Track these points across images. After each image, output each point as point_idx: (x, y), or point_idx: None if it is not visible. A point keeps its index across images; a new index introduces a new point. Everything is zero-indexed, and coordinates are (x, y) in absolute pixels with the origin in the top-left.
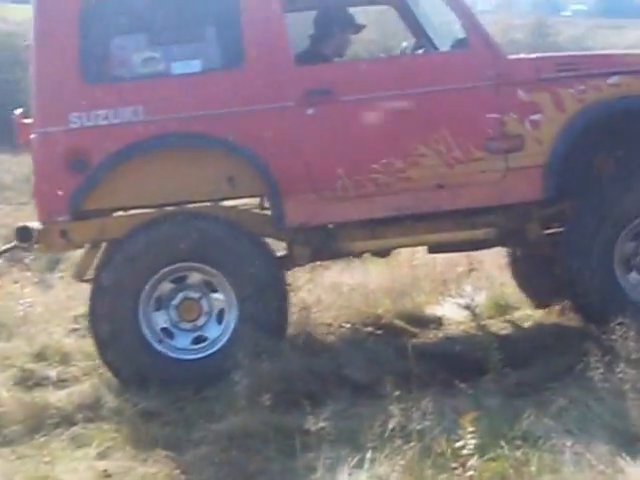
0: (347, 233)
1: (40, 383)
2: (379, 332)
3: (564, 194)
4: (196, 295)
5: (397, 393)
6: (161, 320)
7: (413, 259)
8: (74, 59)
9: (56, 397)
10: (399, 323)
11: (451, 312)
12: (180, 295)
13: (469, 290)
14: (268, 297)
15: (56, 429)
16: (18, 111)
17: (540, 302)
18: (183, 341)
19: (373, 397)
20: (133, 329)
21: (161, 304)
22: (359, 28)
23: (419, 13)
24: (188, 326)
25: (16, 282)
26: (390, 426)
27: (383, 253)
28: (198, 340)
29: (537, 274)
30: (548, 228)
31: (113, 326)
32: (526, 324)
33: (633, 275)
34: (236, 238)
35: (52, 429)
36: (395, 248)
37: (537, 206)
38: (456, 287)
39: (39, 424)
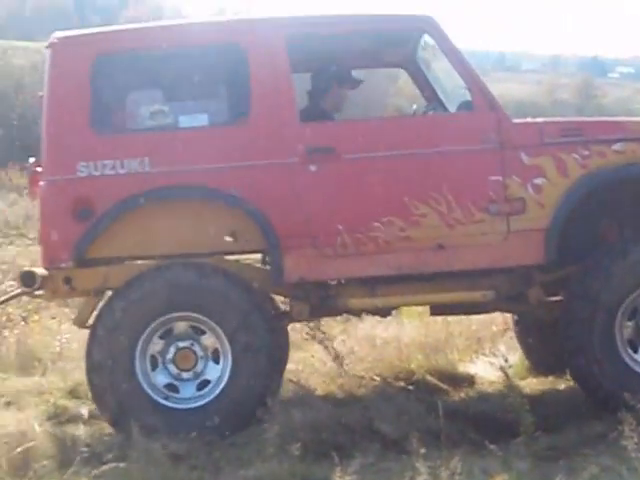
0: (346, 290)
1: (72, 419)
2: (410, 387)
3: (567, 260)
4: (187, 344)
5: (425, 450)
6: (162, 377)
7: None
8: (84, 110)
9: (87, 434)
10: (431, 379)
11: (484, 371)
12: (172, 348)
13: (503, 350)
14: (260, 350)
15: (85, 466)
16: (32, 159)
17: (543, 370)
18: (189, 391)
19: (401, 453)
20: (133, 386)
21: (156, 361)
22: (356, 83)
23: (430, 75)
24: (189, 375)
25: (54, 318)
26: None
27: (383, 312)
28: (203, 385)
29: (540, 341)
30: (552, 294)
31: (111, 380)
32: (560, 387)
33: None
34: (233, 291)
35: (82, 466)
36: (395, 307)
37: (539, 271)
38: (490, 346)
39: (69, 460)
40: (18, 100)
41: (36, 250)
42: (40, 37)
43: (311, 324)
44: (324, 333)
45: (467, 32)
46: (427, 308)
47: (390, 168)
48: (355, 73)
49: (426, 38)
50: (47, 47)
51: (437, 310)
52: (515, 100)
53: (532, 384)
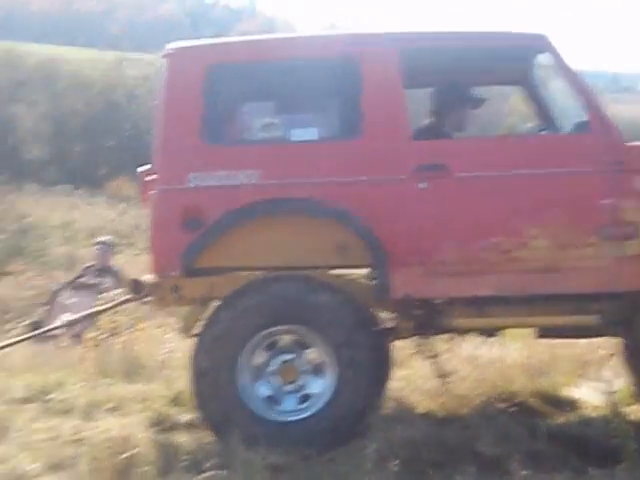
0: (453, 309)
1: (174, 427)
2: (512, 409)
3: None
4: (291, 357)
5: (525, 472)
6: (264, 389)
7: None
8: (197, 121)
9: (188, 442)
10: (534, 402)
11: (588, 395)
12: (276, 360)
13: (609, 375)
14: (364, 366)
15: (186, 473)
16: (143, 168)
17: None
18: (290, 404)
19: (500, 474)
20: (235, 396)
21: (259, 374)
22: (479, 102)
23: (546, 94)
24: (291, 388)
25: (159, 327)
26: None
27: (488, 332)
28: (304, 399)
29: None
30: None
31: (214, 389)
32: None
33: None
34: (340, 305)
35: (182, 473)
36: (501, 329)
37: None
38: (596, 370)
39: (170, 467)
40: (131, 110)
41: (144, 259)
42: (154, 49)
43: (420, 340)
44: (432, 350)
45: (577, 52)
46: (531, 330)
47: (502, 187)
48: (478, 91)
49: (541, 57)
50: (163, 57)
51: (544, 333)
52: (630, 122)
53: (637, 411)
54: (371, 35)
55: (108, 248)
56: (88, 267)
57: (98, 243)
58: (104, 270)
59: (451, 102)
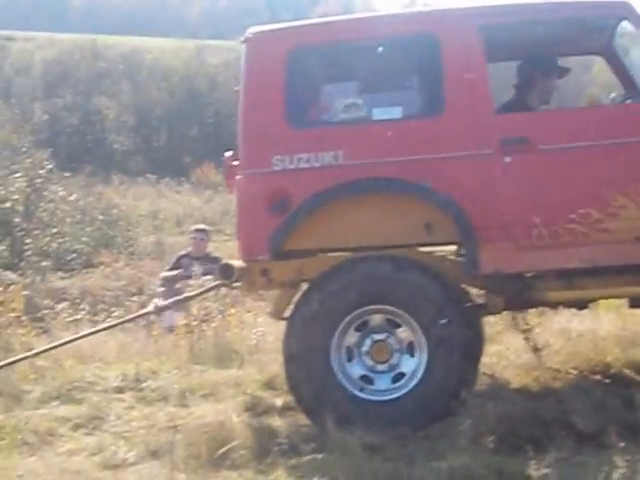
0: (542, 283)
1: (268, 411)
2: (607, 381)
3: None
4: (383, 336)
5: (623, 444)
6: (357, 369)
7: None
8: (279, 104)
9: (283, 425)
10: (629, 373)
11: None
12: (368, 340)
13: None
14: (456, 343)
15: (282, 457)
16: (228, 153)
17: None
18: (384, 383)
19: (598, 447)
20: (329, 377)
21: (351, 354)
22: (564, 72)
23: (629, 62)
24: (384, 367)
25: (249, 311)
26: (615, 477)
27: (580, 305)
28: (397, 378)
29: None
30: None
31: (308, 371)
32: None
33: None
34: (429, 283)
35: (278, 457)
36: (592, 300)
37: None
38: None
39: (266, 451)
40: (213, 98)
41: (232, 245)
42: (232, 35)
43: (512, 315)
44: (527, 324)
45: None
46: (625, 301)
47: (587, 159)
48: (561, 61)
49: (624, 24)
50: (242, 42)
51: (636, 303)
52: None
53: None
54: (450, 10)
55: (205, 235)
56: (183, 256)
57: (195, 231)
58: (204, 258)
59: (535, 74)
